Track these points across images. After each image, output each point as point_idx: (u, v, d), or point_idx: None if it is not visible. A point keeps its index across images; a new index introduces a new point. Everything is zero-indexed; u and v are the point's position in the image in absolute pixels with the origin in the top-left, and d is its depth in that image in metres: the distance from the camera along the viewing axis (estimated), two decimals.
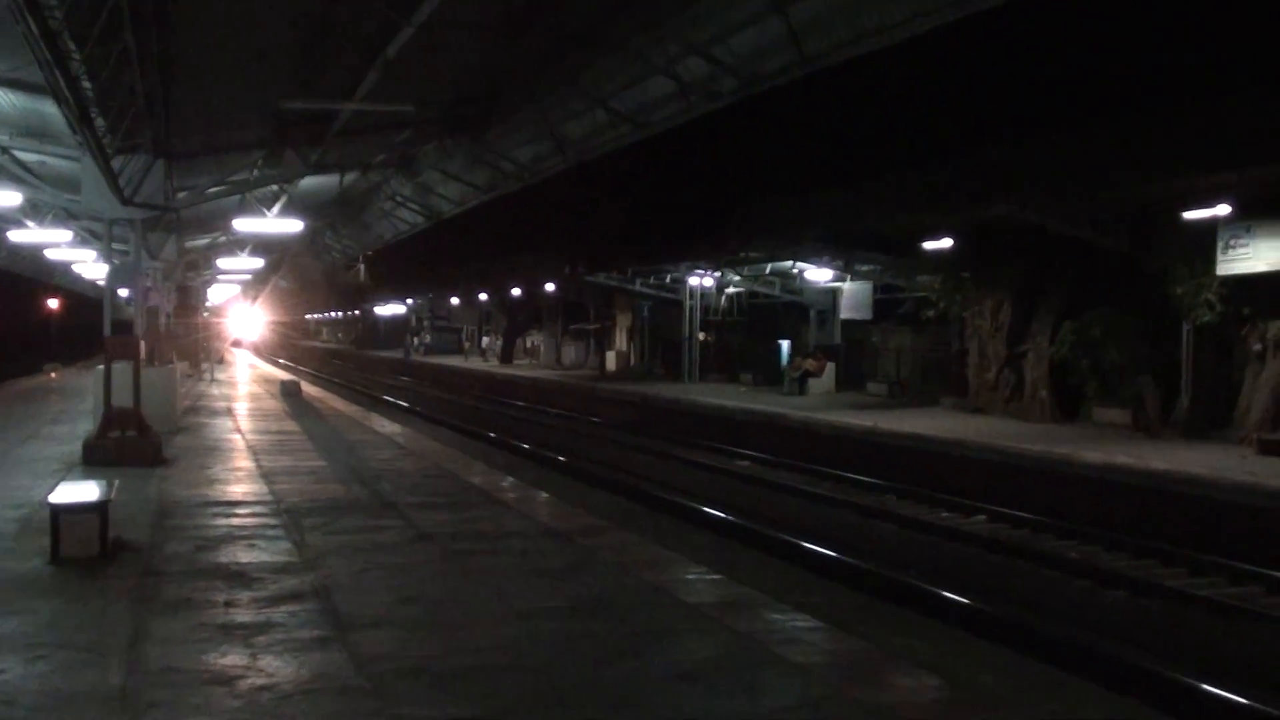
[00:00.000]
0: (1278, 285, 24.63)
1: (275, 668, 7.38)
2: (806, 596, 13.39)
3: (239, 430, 24.61)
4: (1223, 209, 24.22)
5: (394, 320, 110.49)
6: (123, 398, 18.43)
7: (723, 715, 6.75)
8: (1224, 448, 24.70)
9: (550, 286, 61.67)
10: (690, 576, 10.55)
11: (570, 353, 72.82)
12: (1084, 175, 24.42)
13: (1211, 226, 24.96)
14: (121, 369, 18.67)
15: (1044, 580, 17.49)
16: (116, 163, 19.51)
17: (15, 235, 32.12)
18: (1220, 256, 24.93)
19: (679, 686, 7.17)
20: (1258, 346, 25.90)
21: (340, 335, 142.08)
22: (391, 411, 43.02)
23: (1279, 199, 23.73)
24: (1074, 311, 31.05)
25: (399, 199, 36.62)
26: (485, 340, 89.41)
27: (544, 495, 16.09)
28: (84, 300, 73.51)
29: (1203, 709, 11.14)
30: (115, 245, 21.55)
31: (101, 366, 19.25)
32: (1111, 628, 14.68)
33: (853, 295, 44.13)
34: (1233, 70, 21.69)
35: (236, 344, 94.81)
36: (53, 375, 49.22)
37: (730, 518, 21.51)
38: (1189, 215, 24.90)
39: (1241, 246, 24.55)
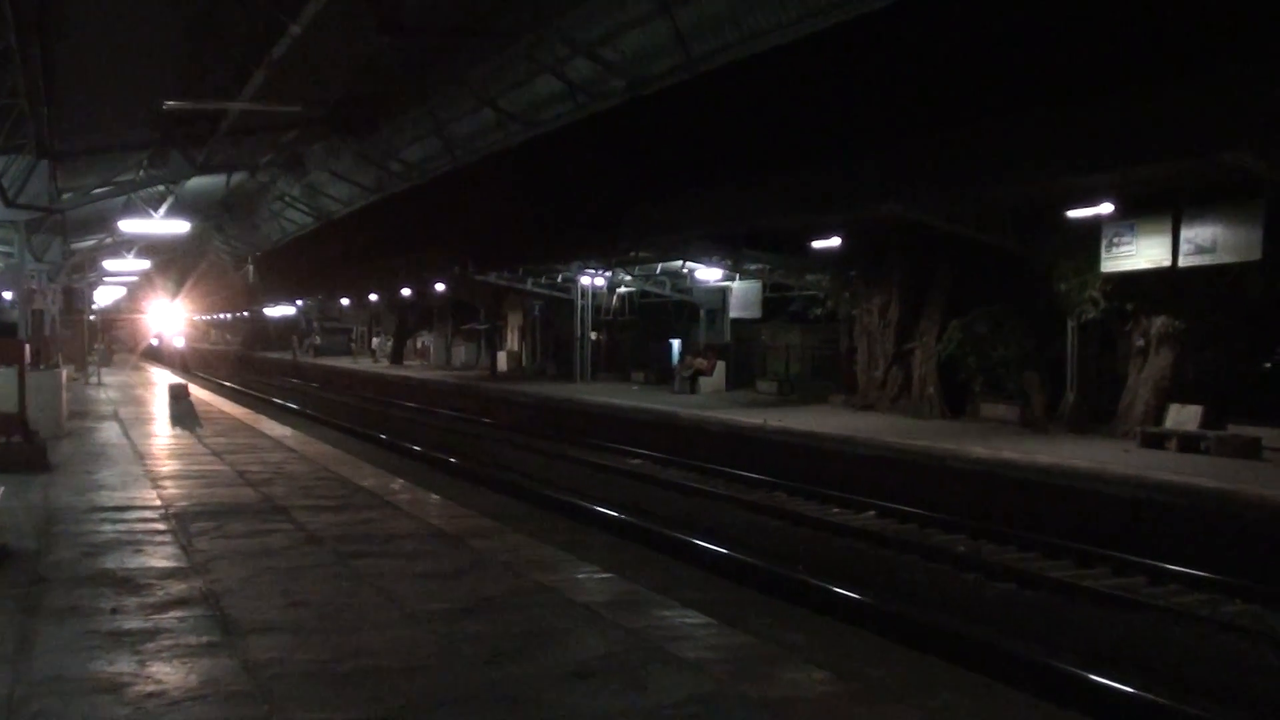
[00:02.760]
0: (1160, 282, 25.15)
1: (164, 674, 7.30)
2: (697, 593, 13.48)
3: (126, 435, 24.26)
4: (1106, 208, 24.66)
5: (284, 322, 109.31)
6: (7, 403, 18.14)
7: (614, 713, 6.77)
8: (1108, 441, 25.16)
9: (440, 286, 61.04)
10: (581, 575, 10.57)
11: (461, 353, 72.42)
12: (970, 174, 24.63)
13: (1095, 224, 25.41)
14: (5, 373, 18.38)
15: (933, 574, 17.71)
16: None
17: None
18: (1104, 254, 25.40)
19: (570, 685, 7.18)
20: (1141, 342, 26.37)
21: (229, 337, 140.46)
22: (281, 414, 42.52)
23: (1161, 198, 24.16)
24: (961, 309, 31.44)
25: (287, 199, 36.43)
26: (375, 341, 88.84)
27: (435, 497, 16.02)
28: None
29: (1089, 698, 11.33)
30: None
31: None
32: (1000, 620, 14.91)
33: (742, 294, 44.49)
34: (1115, 70, 21.99)
35: (152, 354, 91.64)
36: None
37: (621, 516, 21.56)
38: (1073, 214, 25.32)
39: (1125, 245, 25.00)
